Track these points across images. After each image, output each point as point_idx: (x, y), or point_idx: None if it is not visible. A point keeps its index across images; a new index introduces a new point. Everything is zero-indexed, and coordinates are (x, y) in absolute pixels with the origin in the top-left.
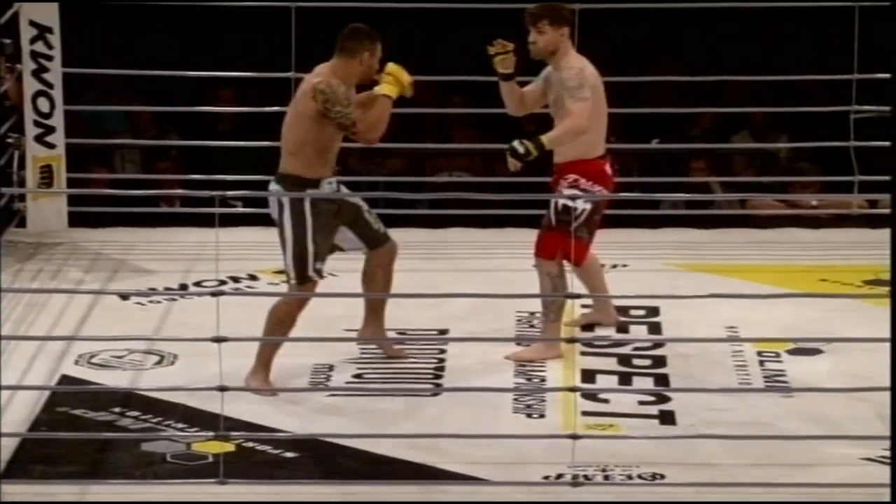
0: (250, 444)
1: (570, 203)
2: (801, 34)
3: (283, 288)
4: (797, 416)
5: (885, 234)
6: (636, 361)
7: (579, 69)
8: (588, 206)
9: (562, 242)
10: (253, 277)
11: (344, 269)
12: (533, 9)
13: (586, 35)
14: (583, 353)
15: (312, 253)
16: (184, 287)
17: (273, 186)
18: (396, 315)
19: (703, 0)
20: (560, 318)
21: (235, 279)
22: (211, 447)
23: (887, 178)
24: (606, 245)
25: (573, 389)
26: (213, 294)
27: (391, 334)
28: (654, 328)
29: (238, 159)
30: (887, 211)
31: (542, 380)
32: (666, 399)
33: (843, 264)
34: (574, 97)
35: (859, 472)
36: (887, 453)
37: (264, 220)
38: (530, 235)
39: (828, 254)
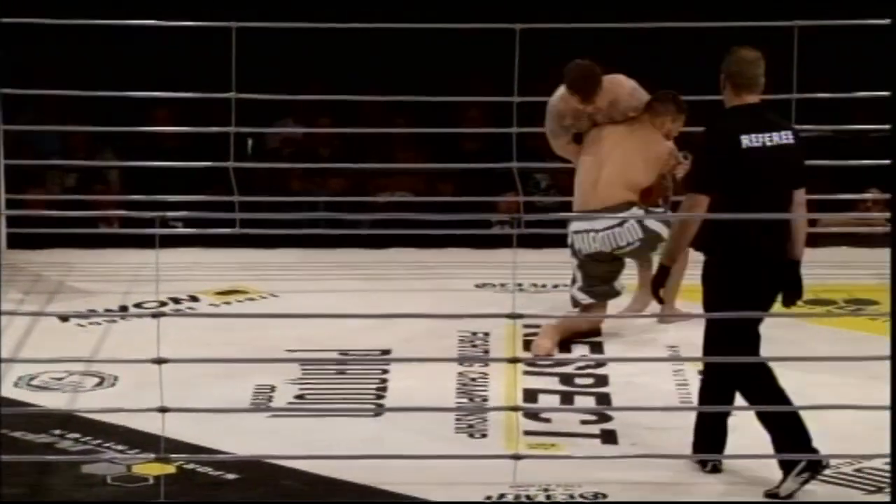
0: (191, 466)
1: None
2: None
3: (224, 308)
4: (739, 435)
5: (824, 252)
6: (578, 380)
7: None
8: None
9: None
10: (194, 298)
11: (286, 290)
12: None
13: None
14: (525, 373)
15: None
16: (124, 308)
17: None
18: (338, 336)
19: (641, 20)
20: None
21: (176, 300)
22: (152, 469)
23: (827, 196)
24: (550, 265)
25: (515, 409)
26: (154, 315)
27: (331, 355)
28: (596, 347)
29: (180, 179)
30: (826, 230)
31: (485, 399)
32: (608, 418)
33: None
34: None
35: (807, 491)
36: (835, 472)
37: (205, 241)
38: (472, 255)
39: None
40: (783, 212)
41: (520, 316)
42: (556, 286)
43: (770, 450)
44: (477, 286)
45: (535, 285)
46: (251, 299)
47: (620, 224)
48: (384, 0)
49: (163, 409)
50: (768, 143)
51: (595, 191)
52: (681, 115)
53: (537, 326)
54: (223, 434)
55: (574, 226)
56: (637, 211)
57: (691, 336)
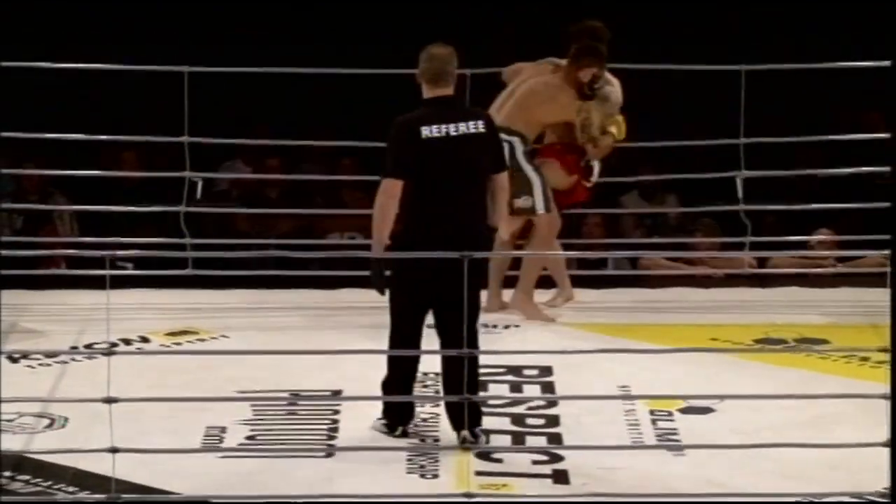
0: None
1: None
2: (688, 97)
3: (175, 348)
4: (690, 474)
5: (774, 293)
6: (529, 421)
7: None
8: None
9: None
10: (144, 339)
11: (240, 328)
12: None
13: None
14: None
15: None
16: (75, 349)
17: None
18: (289, 376)
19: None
20: None
21: (127, 341)
22: None
23: (777, 238)
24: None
25: (466, 449)
26: (105, 355)
27: (284, 395)
28: (548, 388)
29: (132, 220)
30: (775, 271)
31: (436, 440)
32: (559, 458)
33: (732, 323)
34: None
35: None
36: None
37: (156, 282)
38: None
39: (718, 313)
40: (466, 197)
41: (470, 353)
42: (506, 326)
43: None
44: (428, 326)
45: (485, 325)
46: (202, 340)
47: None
48: (332, 44)
49: (113, 450)
50: (452, 133)
51: (498, 114)
52: (590, 66)
53: (489, 366)
54: (174, 475)
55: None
56: (510, 137)
57: (641, 376)
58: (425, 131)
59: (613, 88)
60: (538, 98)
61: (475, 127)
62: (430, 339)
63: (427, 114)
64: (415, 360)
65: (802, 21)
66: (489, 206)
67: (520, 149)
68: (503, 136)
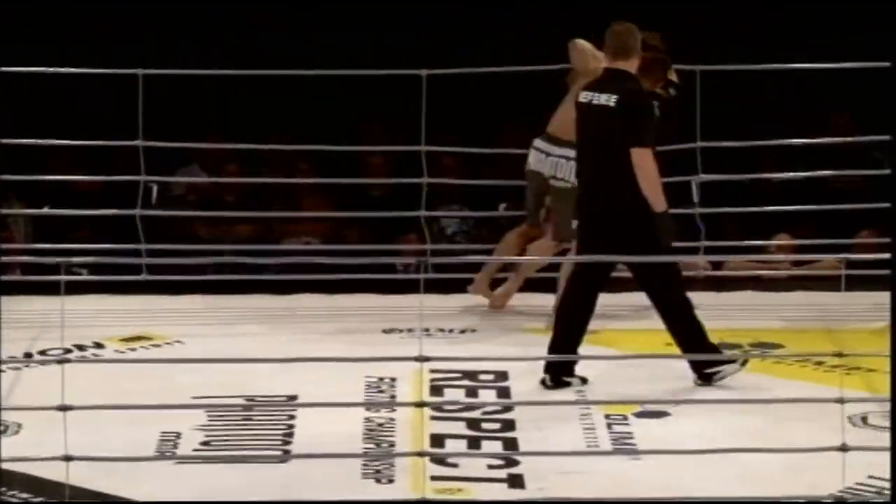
0: None
1: None
2: None
3: (130, 354)
4: (646, 479)
5: (729, 297)
6: (485, 425)
7: None
8: None
9: None
10: (99, 345)
11: (192, 336)
12: None
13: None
14: (432, 418)
15: None
16: (28, 356)
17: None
18: (244, 381)
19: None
20: None
21: (81, 347)
22: None
23: (732, 242)
24: (458, 310)
25: (422, 454)
26: (59, 362)
27: (238, 401)
28: (504, 392)
29: (87, 225)
30: (731, 274)
31: (392, 444)
32: (515, 463)
33: None
34: None
35: None
36: None
37: (111, 288)
38: (380, 300)
39: None
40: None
41: (427, 359)
42: (462, 331)
43: None
44: (384, 331)
45: (442, 330)
46: (156, 345)
47: (568, 160)
48: (290, 46)
49: (67, 458)
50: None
51: (570, 127)
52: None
53: (446, 371)
54: (129, 482)
55: (536, 141)
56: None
57: (599, 378)
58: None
59: None
60: None
61: None
62: (390, 344)
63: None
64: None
65: (761, 22)
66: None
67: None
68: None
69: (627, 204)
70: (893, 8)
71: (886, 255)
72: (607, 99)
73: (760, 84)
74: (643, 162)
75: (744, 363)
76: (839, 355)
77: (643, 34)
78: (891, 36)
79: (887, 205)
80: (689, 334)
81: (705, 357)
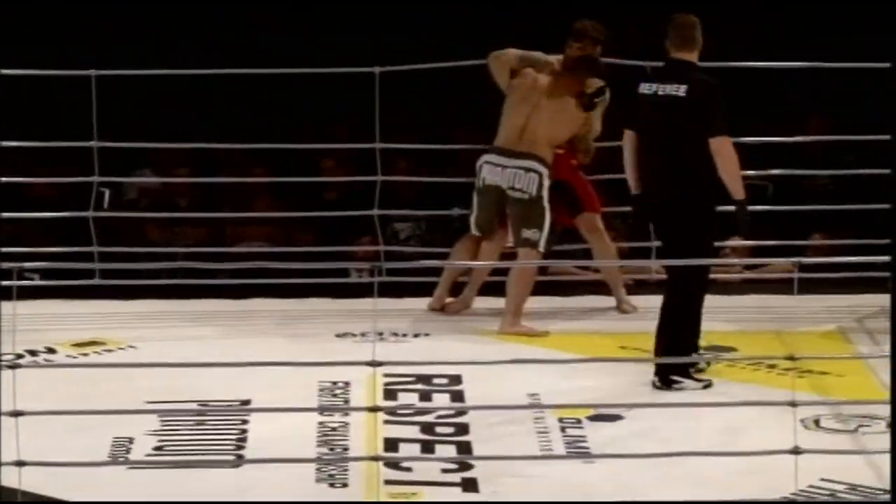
0: None
1: None
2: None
3: (82, 359)
4: (600, 482)
5: None
6: (439, 429)
7: None
8: None
9: None
10: (51, 350)
11: (145, 341)
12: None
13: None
14: (386, 422)
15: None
16: None
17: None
18: (197, 386)
19: None
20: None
21: (33, 352)
22: None
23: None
24: (411, 314)
25: (376, 458)
26: (11, 367)
27: (191, 406)
28: (457, 396)
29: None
30: None
31: (345, 449)
32: (469, 466)
33: (642, 331)
34: None
35: None
36: None
37: (62, 292)
38: (332, 304)
39: (627, 321)
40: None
41: (380, 364)
42: (416, 335)
43: None
44: (337, 336)
45: (395, 334)
46: (109, 350)
47: (527, 171)
48: (241, 46)
49: (20, 463)
50: None
51: (521, 136)
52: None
53: (398, 375)
54: (81, 487)
55: (487, 157)
56: (542, 168)
57: (551, 384)
58: None
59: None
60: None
61: None
62: (343, 348)
63: None
64: None
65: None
66: None
67: (547, 181)
68: (532, 163)
69: (690, 194)
70: (887, 8)
71: (839, 259)
72: (675, 89)
73: (748, 84)
74: (724, 149)
75: (706, 386)
76: (791, 358)
77: (587, 23)
78: (882, 36)
79: (842, 207)
80: (677, 339)
81: (664, 360)
